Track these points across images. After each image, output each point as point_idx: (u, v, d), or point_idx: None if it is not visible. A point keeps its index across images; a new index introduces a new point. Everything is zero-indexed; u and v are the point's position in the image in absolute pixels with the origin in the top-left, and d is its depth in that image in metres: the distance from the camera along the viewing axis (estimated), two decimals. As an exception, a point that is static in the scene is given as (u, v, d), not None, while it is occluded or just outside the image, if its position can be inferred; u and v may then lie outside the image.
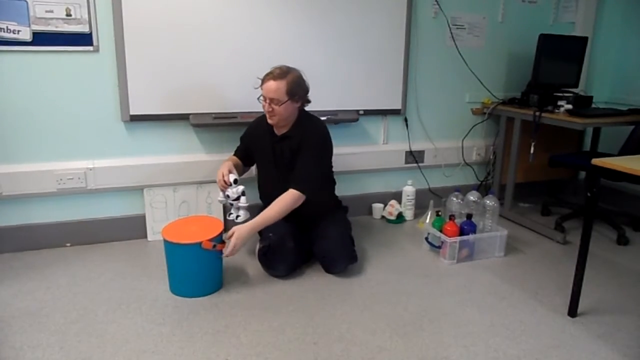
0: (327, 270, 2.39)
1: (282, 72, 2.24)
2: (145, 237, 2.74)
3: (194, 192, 2.80)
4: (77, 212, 2.63)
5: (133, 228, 2.72)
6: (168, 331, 1.87)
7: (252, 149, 2.52)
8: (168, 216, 2.76)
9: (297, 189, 2.26)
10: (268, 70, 2.27)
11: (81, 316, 1.96)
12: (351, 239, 2.47)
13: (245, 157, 2.57)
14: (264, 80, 2.24)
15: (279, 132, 2.39)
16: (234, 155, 2.59)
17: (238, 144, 2.58)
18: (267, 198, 2.42)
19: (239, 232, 2.16)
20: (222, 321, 1.94)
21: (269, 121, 2.32)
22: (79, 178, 2.55)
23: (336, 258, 2.36)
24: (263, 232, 2.38)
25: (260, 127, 2.43)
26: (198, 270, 2.13)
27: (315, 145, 2.35)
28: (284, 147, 2.38)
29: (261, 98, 2.27)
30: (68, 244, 2.63)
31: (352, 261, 2.40)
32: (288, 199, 2.25)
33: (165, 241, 2.12)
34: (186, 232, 2.15)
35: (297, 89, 2.26)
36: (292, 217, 2.32)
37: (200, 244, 2.07)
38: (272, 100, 2.23)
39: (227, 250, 2.13)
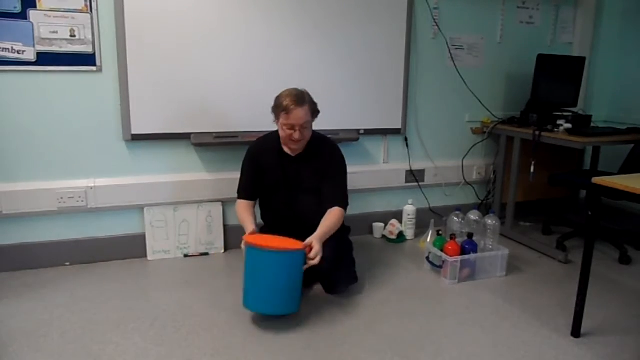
0: (328, 291, 2.37)
1: (300, 96, 2.19)
2: (146, 256, 2.73)
3: (195, 211, 2.79)
4: (77, 231, 2.62)
5: (133, 247, 2.71)
6: (167, 352, 1.85)
7: (262, 173, 2.39)
8: (168, 235, 2.75)
9: (339, 205, 2.31)
10: (279, 101, 2.19)
11: (79, 336, 1.94)
12: (352, 260, 2.46)
13: (254, 189, 2.41)
14: (289, 110, 2.15)
15: (294, 153, 2.33)
16: (242, 198, 2.39)
17: (239, 163, 2.57)
18: (275, 219, 2.41)
19: (315, 240, 2.12)
20: (221, 342, 1.92)
21: (294, 147, 2.27)
22: (79, 197, 2.55)
23: (337, 279, 2.34)
24: None
25: (269, 149, 2.36)
26: (285, 283, 2.00)
27: (340, 163, 2.40)
28: (300, 168, 2.35)
29: (284, 127, 2.20)
30: (67, 263, 2.62)
31: (352, 282, 2.39)
32: (339, 216, 2.29)
33: (255, 249, 1.99)
34: (269, 243, 2.02)
35: (315, 106, 2.27)
36: (297, 237, 2.29)
37: (292, 251, 1.99)
38: (302, 126, 2.19)
39: (313, 253, 2.06)
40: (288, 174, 2.36)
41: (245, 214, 2.34)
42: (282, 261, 2.00)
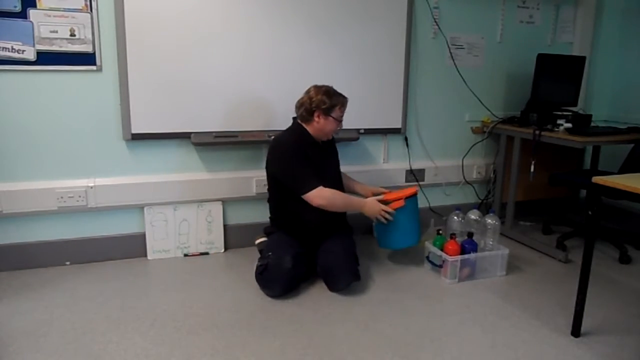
0: (330, 287, 2.37)
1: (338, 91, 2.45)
2: (145, 255, 2.73)
3: (195, 210, 2.79)
4: (77, 231, 2.62)
5: (133, 246, 2.71)
6: (167, 351, 1.85)
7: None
8: (168, 235, 2.75)
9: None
10: (333, 98, 2.40)
11: (79, 336, 1.94)
12: (356, 258, 2.46)
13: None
14: (345, 103, 2.45)
15: (320, 140, 2.52)
16: (320, 186, 2.34)
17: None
18: (305, 209, 2.37)
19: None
20: (221, 341, 1.92)
21: (332, 135, 2.53)
22: (79, 196, 2.55)
23: (340, 274, 2.35)
24: (264, 251, 2.38)
25: (306, 142, 2.44)
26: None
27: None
28: (327, 153, 2.57)
29: (338, 119, 2.44)
30: (67, 263, 2.62)
31: (355, 279, 2.38)
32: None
33: (413, 197, 2.57)
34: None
35: None
36: (301, 232, 2.42)
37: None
38: (341, 118, 2.48)
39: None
40: (323, 163, 2.50)
41: (344, 194, 2.48)
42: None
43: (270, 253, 2.33)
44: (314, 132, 2.46)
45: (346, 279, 2.35)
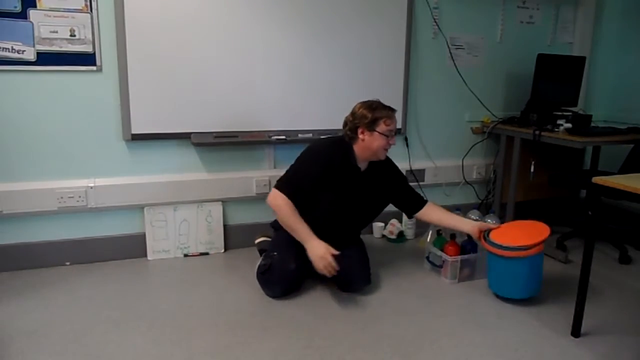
0: (344, 288, 2.36)
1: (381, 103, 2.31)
2: (145, 256, 2.73)
3: (195, 211, 2.79)
4: (77, 231, 2.62)
5: (133, 247, 2.71)
6: (167, 351, 1.85)
7: (325, 184, 2.27)
8: (168, 235, 2.75)
9: (426, 201, 2.56)
10: (375, 112, 2.24)
11: (79, 336, 1.94)
12: (368, 259, 2.47)
13: (302, 193, 2.26)
14: (391, 115, 2.27)
15: (362, 166, 2.37)
16: (289, 198, 2.22)
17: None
18: (319, 221, 2.26)
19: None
20: (221, 341, 1.92)
21: (385, 155, 2.35)
22: (79, 196, 2.55)
23: (355, 279, 2.35)
24: (268, 250, 2.38)
25: (341, 162, 2.29)
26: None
27: (396, 167, 2.56)
28: (368, 181, 2.39)
29: (385, 134, 2.26)
30: (67, 263, 2.62)
31: (367, 283, 2.40)
32: (438, 205, 2.56)
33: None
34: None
35: None
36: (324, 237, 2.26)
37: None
38: (393, 132, 2.31)
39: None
40: (358, 188, 2.36)
41: (296, 217, 2.21)
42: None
43: (275, 253, 2.32)
44: (361, 152, 2.31)
45: (361, 283, 2.37)
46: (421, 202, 2.54)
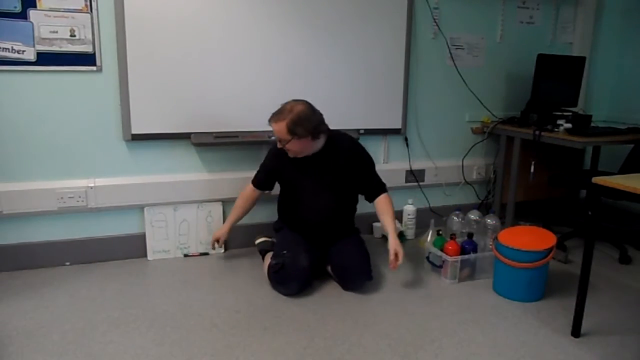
0: (345, 286, 2.38)
1: (280, 113, 2.26)
2: (145, 256, 2.73)
3: (195, 211, 2.79)
4: (77, 231, 2.62)
5: (133, 247, 2.71)
6: (167, 351, 1.85)
7: (280, 170, 2.48)
8: (168, 235, 2.75)
9: (382, 191, 2.50)
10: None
11: (79, 336, 1.94)
12: (368, 257, 2.47)
13: (266, 182, 2.56)
14: (269, 121, 2.31)
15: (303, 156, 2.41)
16: (253, 184, 2.56)
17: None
18: (302, 211, 2.46)
19: (393, 238, 2.34)
20: (221, 342, 1.92)
21: (290, 155, 2.37)
22: (79, 197, 2.55)
23: (355, 274, 2.37)
24: (277, 250, 2.38)
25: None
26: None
27: (363, 155, 2.49)
28: (325, 161, 2.41)
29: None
30: (67, 263, 2.62)
31: (369, 278, 2.41)
32: (389, 200, 2.49)
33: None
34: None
35: (298, 127, 2.23)
36: (304, 229, 2.42)
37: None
38: (280, 140, 2.30)
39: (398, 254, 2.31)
40: (313, 171, 2.41)
41: (238, 210, 2.61)
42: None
43: (285, 251, 2.33)
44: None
45: (361, 279, 2.38)
46: (377, 191, 2.51)
